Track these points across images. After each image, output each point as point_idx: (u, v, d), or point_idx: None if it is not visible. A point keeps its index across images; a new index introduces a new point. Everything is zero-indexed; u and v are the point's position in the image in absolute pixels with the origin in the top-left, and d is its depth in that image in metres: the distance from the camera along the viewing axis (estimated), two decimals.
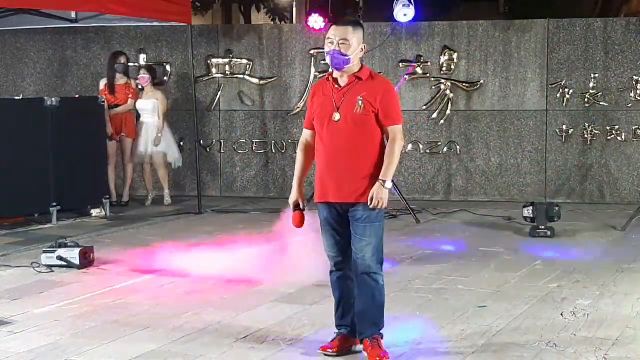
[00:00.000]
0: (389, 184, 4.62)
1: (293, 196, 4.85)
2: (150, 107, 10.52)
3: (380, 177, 4.61)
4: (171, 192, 10.93)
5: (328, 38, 4.70)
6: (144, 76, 10.55)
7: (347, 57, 4.64)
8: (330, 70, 4.80)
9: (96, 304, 6.07)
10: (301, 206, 4.82)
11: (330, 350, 4.84)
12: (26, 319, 5.69)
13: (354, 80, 4.71)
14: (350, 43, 4.65)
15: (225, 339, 5.18)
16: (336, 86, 4.73)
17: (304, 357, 4.90)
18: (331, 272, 4.90)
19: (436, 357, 4.89)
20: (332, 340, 4.88)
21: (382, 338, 4.79)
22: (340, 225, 4.76)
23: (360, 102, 4.62)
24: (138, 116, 10.65)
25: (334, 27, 4.74)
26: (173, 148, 10.74)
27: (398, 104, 4.79)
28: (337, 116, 4.66)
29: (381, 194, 4.59)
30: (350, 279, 4.82)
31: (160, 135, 10.48)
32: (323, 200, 4.77)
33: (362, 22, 4.84)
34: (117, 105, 10.45)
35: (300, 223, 4.80)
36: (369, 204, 4.59)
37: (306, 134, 4.91)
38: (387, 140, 4.72)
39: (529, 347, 5.01)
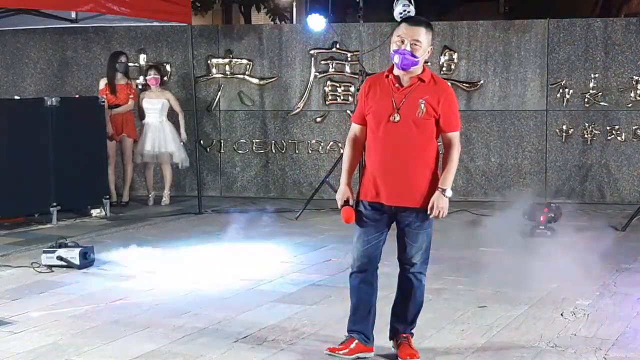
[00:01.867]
0: (449, 192, 4.56)
1: (343, 192, 4.74)
2: (159, 107, 10.53)
3: (439, 185, 4.56)
4: (171, 192, 10.94)
5: (398, 35, 4.54)
6: (156, 77, 10.57)
7: (416, 59, 4.53)
8: (392, 68, 4.64)
9: (96, 304, 6.07)
10: (350, 202, 4.73)
11: (342, 353, 4.78)
12: (26, 319, 5.68)
13: (416, 82, 4.59)
14: (421, 45, 4.53)
15: (225, 339, 5.18)
16: (396, 85, 4.59)
17: (304, 357, 4.89)
18: (352, 274, 4.80)
19: (436, 357, 4.89)
20: (344, 342, 4.84)
21: (412, 337, 4.86)
22: (382, 227, 4.69)
23: (423, 106, 4.52)
24: (141, 116, 10.66)
25: (405, 24, 4.59)
26: (180, 148, 10.75)
27: (457, 108, 4.70)
28: (397, 117, 4.54)
29: (442, 202, 4.54)
30: (370, 285, 4.77)
31: (184, 130, 10.66)
32: (374, 200, 4.65)
33: (431, 23, 4.76)
34: (117, 105, 10.45)
35: (350, 218, 4.70)
36: (429, 212, 4.55)
37: (355, 128, 4.77)
38: (443, 146, 4.67)
39: (529, 347, 5.01)
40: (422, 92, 4.55)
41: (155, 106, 10.53)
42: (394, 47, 4.54)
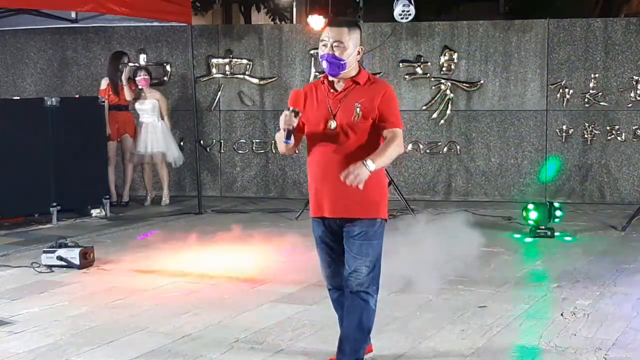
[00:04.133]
0: (371, 166, 4.08)
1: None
2: (149, 108, 10.54)
3: (367, 157, 4.12)
4: (171, 192, 10.94)
5: (321, 40, 4.29)
6: (145, 77, 10.57)
7: (342, 62, 4.22)
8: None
9: (96, 304, 6.07)
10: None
11: None
12: (26, 319, 5.69)
13: (351, 85, 4.30)
14: (345, 45, 4.22)
15: (225, 339, 5.18)
16: (332, 90, 4.31)
17: (304, 357, 4.90)
18: (329, 289, 4.60)
19: (436, 357, 4.89)
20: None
21: None
22: (337, 242, 4.38)
23: (358, 109, 4.21)
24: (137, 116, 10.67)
25: (327, 28, 4.31)
26: (172, 147, 10.75)
27: (398, 108, 4.37)
28: (332, 124, 4.24)
29: (359, 170, 4.05)
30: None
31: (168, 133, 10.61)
32: (318, 215, 4.37)
33: (359, 22, 4.50)
34: (120, 106, 10.45)
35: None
36: (341, 177, 4.07)
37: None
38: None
39: (529, 347, 5.01)
40: (358, 95, 4.27)
41: (146, 107, 10.54)
42: (320, 52, 4.30)
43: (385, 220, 4.35)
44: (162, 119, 10.62)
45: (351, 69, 4.29)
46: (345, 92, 4.29)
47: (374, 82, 4.34)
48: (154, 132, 10.54)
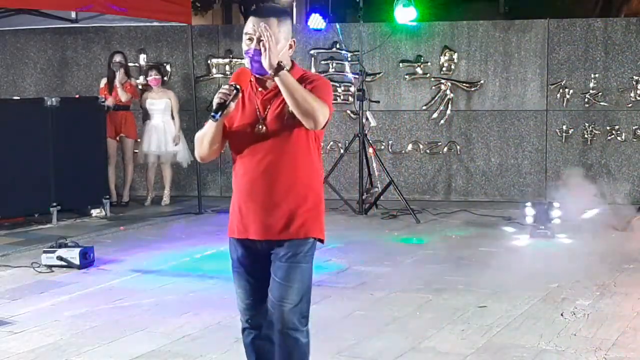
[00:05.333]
0: (283, 65, 3.40)
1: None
2: (162, 107, 10.55)
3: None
4: (171, 193, 10.94)
5: (246, 33, 3.56)
6: (157, 77, 10.58)
7: None
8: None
9: (96, 304, 6.07)
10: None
11: None
12: (26, 319, 5.69)
13: None
14: (275, 39, 3.48)
15: (225, 339, 5.17)
16: (260, 89, 3.59)
17: None
18: (244, 329, 3.79)
19: (436, 357, 4.89)
20: None
21: None
22: (259, 268, 3.61)
23: (290, 111, 3.46)
24: (145, 116, 10.66)
25: (252, 18, 3.56)
26: (184, 148, 10.75)
27: (330, 95, 3.59)
28: (262, 128, 3.52)
29: (273, 46, 3.40)
30: (270, 341, 3.67)
31: (179, 133, 10.57)
32: (241, 236, 3.60)
33: (288, 10, 3.86)
34: (117, 105, 10.44)
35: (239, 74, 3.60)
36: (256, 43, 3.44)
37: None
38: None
39: (529, 347, 5.01)
40: None
41: (158, 106, 10.55)
42: (244, 47, 3.59)
43: (321, 241, 3.63)
44: (173, 118, 10.63)
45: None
46: (276, 90, 3.52)
47: (307, 77, 3.59)
48: (165, 132, 10.53)
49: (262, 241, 3.56)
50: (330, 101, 3.57)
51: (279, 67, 3.39)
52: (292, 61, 3.61)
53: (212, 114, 3.48)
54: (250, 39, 3.53)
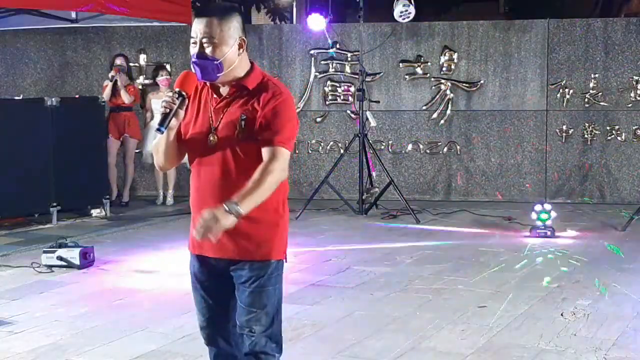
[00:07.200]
0: (237, 210, 3.06)
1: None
2: None
3: (232, 198, 3.09)
4: (175, 192, 10.94)
5: (191, 37, 3.26)
6: (167, 78, 10.59)
7: (216, 62, 3.18)
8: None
9: (96, 304, 6.07)
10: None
11: None
12: (26, 319, 5.68)
13: (236, 91, 3.27)
14: (217, 40, 3.17)
15: None
16: (214, 96, 3.30)
17: (304, 357, 4.89)
18: (206, 344, 3.54)
19: (436, 357, 4.89)
20: None
21: None
22: (216, 286, 3.39)
23: (243, 123, 3.20)
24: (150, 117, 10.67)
25: (195, 20, 3.26)
26: None
27: (291, 123, 3.27)
28: (213, 139, 3.24)
29: (217, 219, 3.04)
30: (234, 358, 3.46)
31: None
32: (196, 252, 3.39)
33: (235, 5, 3.45)
34: (120, 107, 10.45)
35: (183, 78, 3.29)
36: (195, 234, 3.12)
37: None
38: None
39: (529, 347, 5.01)
40: (245, 102, 3.24)
41: None
42: (191, 51, 3.27)
43: (284, 260, 3.38)
44: None
45: (234, 69, 3.25)
46: (229, 98, 3.27)
47: (267, 85, 3.28)
48: None
49: (218, 259, 3.33)
50: (289, 132, 3.25)
51: (238, 213, 3.07)
52: (250, 62, 3.32)
53: (157, 126, 3.24)
54: (195, 43, 3.22)
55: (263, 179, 3.13)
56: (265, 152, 3.19)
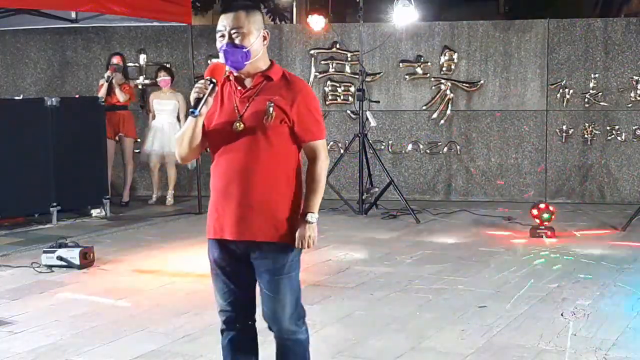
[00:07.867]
0: (312, 217, 3.52)
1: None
2: (170, 108, 10.57)
3: (302, 209, 3.53)
4: (174, 192, 10.93)
5: (218, 31, 3.53)
6: (165, 78, 10.60)
7: (245, 50, 3.45)
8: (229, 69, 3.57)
9: (96, 304, 6.08)
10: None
11: None
12: (26, 319, 5.69)
13: (262, 81, 3.54)
14: (245, 31, 3.45)
15: None
16: (239, 88, 3.55)
17: None
18: (222, 331, 3.74)
19: (436, 357, 4.89)
20: None
21: None
22: (237, 270, 3.61)
23: (271, 109, 3.45)
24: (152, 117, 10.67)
25: (222, 16, 3.54)
26: None
27: (319, 113, 3.63)
28: (239, 125, 3.48)
29: (308, 231, 3.53)
30: (245, 342, 3.73)
31: None
32: (216, 236, 3.62)
33: (254, 4, 3.74)
34: (114, 106, 10.44)
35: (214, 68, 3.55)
36: (297, 245, 3.54)
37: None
38: (307, 159, 3.66)
39: (529, 347, 5.01)
40: (271, 92, 3.51)
41: (166, 107, 10.56)
42: (218, 45, 3.54)
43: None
44: (179, 120, 10.62)
45: (259, 61, 3.53)
46: (255, 89, 3.53)
47: (290, 79, 3.58)
48: (169, 132, 10.53)
49: (239, 242, 3.55)
50: (321, 121, 3.65)
51: (313, 221, 3.55)
52: (270, 60, 3.60)
53: (191, 109, 3.47)
54: (223, 36, 3.50)
55: (319, 176, 3.62)
56: (309, 148, 3.62)
